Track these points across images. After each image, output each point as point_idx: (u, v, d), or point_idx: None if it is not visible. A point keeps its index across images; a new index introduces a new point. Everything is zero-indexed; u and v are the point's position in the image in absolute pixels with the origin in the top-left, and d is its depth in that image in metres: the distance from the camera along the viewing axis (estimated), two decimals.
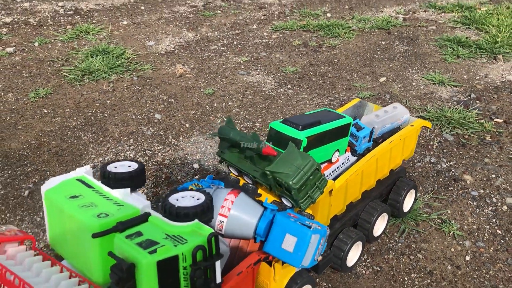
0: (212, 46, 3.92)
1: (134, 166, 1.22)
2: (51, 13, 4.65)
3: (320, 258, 1.37)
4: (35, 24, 4.36)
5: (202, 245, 0.95)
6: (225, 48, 3.90)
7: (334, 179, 1.64)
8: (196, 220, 1.02)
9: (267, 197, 1.49)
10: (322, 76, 3.41)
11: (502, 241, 1.97)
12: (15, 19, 4.45)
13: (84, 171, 1.20)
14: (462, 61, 3.66)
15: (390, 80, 3.35)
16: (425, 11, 4.88)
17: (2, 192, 2.24)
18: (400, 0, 5.25)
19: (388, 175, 1.95)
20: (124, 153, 2.51)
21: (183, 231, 0.99)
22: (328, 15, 4.69)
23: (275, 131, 1.62)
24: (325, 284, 1.77)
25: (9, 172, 2.38)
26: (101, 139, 2.65)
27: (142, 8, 4.86)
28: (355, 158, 1.86)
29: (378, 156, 1.79)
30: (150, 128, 2.75)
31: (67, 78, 3.31)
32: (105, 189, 1.13)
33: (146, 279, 0.90)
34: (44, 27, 4.29)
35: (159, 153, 2.52)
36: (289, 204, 1.46)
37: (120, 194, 1.10)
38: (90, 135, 2.69)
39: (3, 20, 4.41)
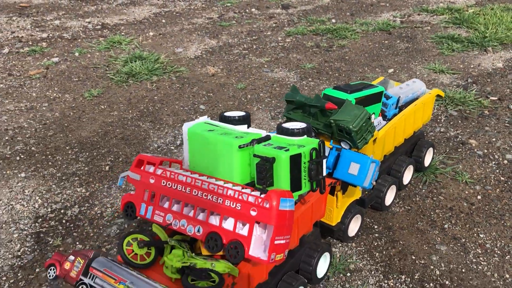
0: (235, 50, 4.40)
1: (242, 113, 1.67)
2: (81, 28, 5.11)
3: (375, 183, 1.82)
4: (69, 38, 4.81)
5: (315, 147, 1.41)
6: (247, 51, 4.38)
7: None
8: (305, 136, 1.48)
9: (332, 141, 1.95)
10: (337, 70, 3.90)
11: (505, 184, 2.44)
12: (50, 35, 4.90)
13: (206, 118, 1.66)
14: (457, 54, 4.18)
15: (397, 71, 3.85)
16: (418, 14, 5.42)
17: (86, 168, 2.67)
18: (395, 6, 5.80)
19: (411, 135, 2.42)
20: (181, 136, 2.95)
21: (299, 142, 1.44)
22: (333, 20, 5.21)
23: (328, 96, 2.08)
24: (368, 219, 2.22)
25: (87, 154, 2.81)
26: (158, 126, 3.10)
27: (164, 21, 5.34)
28: (385, 122, 2.32)
29: (406, 117, 2.26)
30: (198, 116, 3.20)
31: (114, 80, 3.76)
32: (229, 126, 1.58)
33: (283, 169, 1.35)
34: (79, 40, 4.74)
35: None
36: (346, 147, 1.92)
37: (242, 128, 1.55)
38: (148, 124, 3.13)
39: (40, 36, 4.86)
